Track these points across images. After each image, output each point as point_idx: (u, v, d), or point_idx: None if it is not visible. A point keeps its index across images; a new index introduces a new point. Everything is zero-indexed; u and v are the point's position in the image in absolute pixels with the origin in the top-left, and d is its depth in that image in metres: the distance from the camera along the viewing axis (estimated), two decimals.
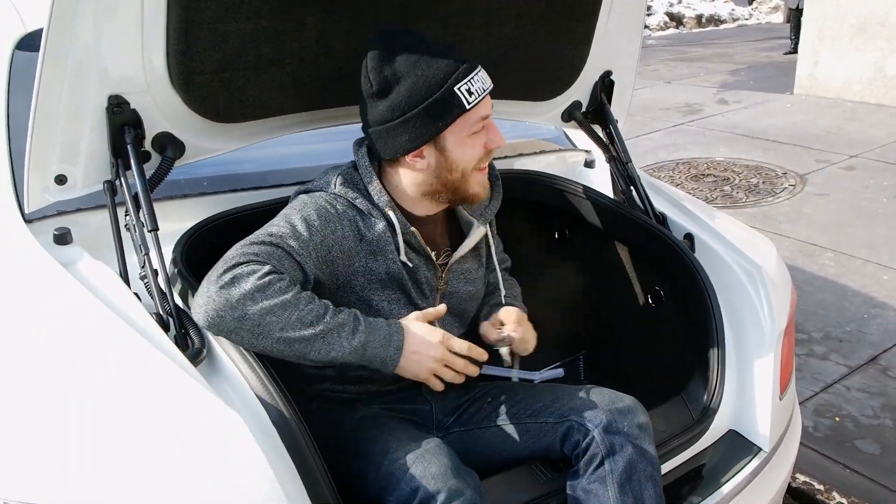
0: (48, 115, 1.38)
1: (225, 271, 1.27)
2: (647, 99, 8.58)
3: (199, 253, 1.58)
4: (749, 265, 1.73)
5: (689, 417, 1.62)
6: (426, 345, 1.37)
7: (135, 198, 1.46)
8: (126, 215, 1.48)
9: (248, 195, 1.85)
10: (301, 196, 1.49)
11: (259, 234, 1.37)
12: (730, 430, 1.66)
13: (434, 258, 1.55)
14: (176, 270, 1.51)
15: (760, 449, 1.61)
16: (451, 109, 1.40)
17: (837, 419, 2.80)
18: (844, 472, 2.53)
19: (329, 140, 1.99)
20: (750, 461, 1.59)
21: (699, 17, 17.28)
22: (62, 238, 1.56)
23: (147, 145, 1.53)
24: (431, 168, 1.46)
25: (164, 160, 1.55)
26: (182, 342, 1.34)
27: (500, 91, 1.94)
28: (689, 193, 4.84)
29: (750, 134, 6.91)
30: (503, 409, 1.56)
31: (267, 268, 1.29)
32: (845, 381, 3.05)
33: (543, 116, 2.13)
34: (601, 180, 2.27)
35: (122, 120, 1.46)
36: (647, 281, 1.98)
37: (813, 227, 4.62)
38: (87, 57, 1.37)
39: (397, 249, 1.48)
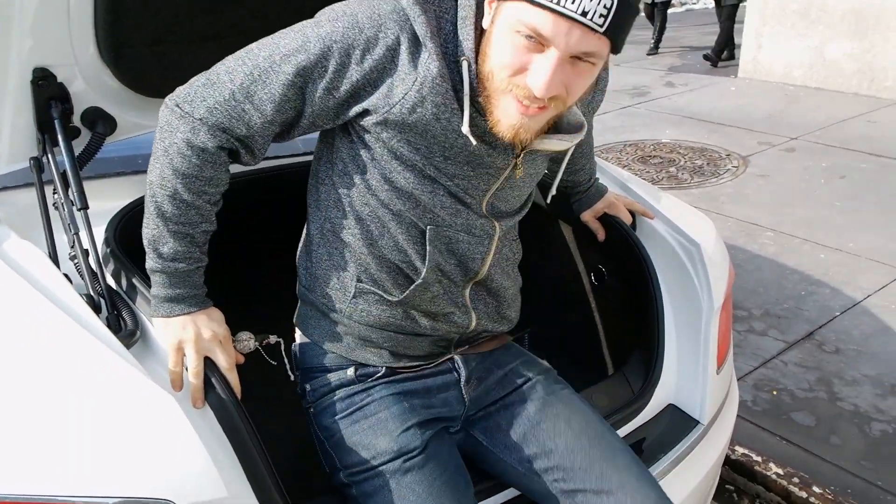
0: None
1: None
2: None
3: (133, 232, 1.53)
4: (688, 243, 1.75)
5: (630, 392, 1.64)
6: (203, 327, 1.22)
7: (63, 175, 1.41)
8: (55, 193, 1.43)
9: None
10: None
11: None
12: (669, 405, 1.69)
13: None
14: (108, 250, 1.46)
15: (698, 422, 1.65)
16: None
17: (775, 393, 2.89)
18: (781, 444, 2.61)
19: None
20: (688, 434, 1.62)
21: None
22: None
23: (76, 121, 1.48)
24: (487, 34, 1.10)
25: (94, 136, 1.50)
26: (114, 324, 1.30)
27: None
28: (636, 174, 4.91)
29: (695, 116, 7.03)
30: (530, 446, 1.36)
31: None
32: (783, 356, 3.14)
33: None
34: None
35: (49, 94, 1.41)
36: (590, 260, 2.00)
37: (754, 208, 4.73)
38: (7, 27, 1.31)
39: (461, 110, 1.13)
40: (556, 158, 1.38)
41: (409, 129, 1.14)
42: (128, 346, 1.24)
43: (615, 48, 1.05)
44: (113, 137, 1.53)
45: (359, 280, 1.28)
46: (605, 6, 0.98)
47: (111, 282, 1.39)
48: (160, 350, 1.26)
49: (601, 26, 0.99)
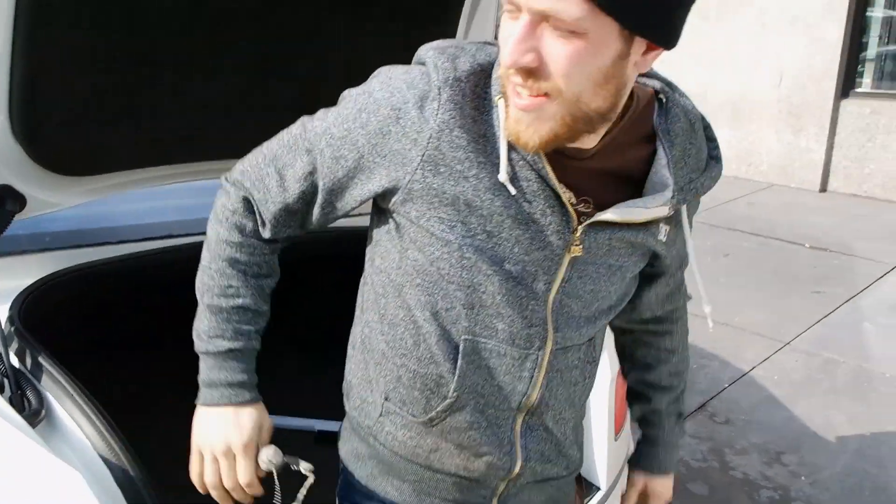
0: None
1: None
2: None
3: (39, 311, 1.52)
4: None
5: None
6: (228, 429, 1.08)
7: None
8: None
9: (93, 251, 1.79)
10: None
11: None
12: None
13: (562, 195, 0.97)
14: (12, 328, 1.44)
15: (598, 487, 1.72)
16: None
17: None
18: None
19: (185, 196, 1.98)
20: (588, 499, 1.69)
21: None
22: None
23: None
24: None
25: (2, 213, 1.49)
26: (18, 403, 1.28)
27: None
28: None
29: None
30: None
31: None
32: None
33: None
34: None
35: None
36: None
37: None
38: None
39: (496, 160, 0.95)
40: (648, 276, 1.20)
41: (438, 200, 0.96)
42: (33, 424, 1.22)
43: (605, 7, 0.80)
44: (21, 215, 1.52)
45: (386, 398, 1.11)
46: None
47: (15, 361, 1.36)
48: (66, 428, 1.25)
49: None
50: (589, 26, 0.80)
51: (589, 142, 0.95)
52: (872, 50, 7.26)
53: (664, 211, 1.02)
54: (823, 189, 7.19)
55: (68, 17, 1.36)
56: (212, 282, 1.10)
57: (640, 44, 0.85)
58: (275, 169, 1.06)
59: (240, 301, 1.10)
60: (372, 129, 0.97)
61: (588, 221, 0.98)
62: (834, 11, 6.74)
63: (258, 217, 1.10)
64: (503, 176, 0.93)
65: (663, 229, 1.07)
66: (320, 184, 1.04)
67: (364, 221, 1.19)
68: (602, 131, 0.95)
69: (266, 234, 1.11)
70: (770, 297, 4.74)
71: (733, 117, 7.87)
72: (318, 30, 1.70)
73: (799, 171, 7.34)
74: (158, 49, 1.51)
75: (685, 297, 1.38)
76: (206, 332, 1.10)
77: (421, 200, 0.97)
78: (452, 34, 1.90)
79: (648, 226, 1.04)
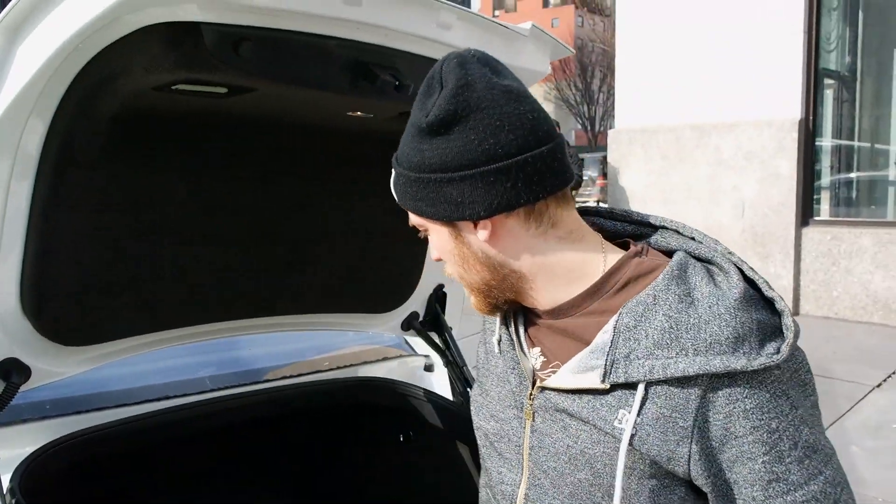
0: None
1: None
2: None
3: (40, 480, 1.53)
4: None
5: None
6: None
7: None
8: None
9: (94, 416, 1.83)
10: None
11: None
12: None
13: (527, 356, 1.09)
14: (13, 501, 1.45)
15: None
16: None
17: None
18: None
19: (177, 356, 2.04)
20: None
21: None
22: None
23: None
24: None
25: (7, 386, 1.53)
26: None
27: (346, 306, 2.11)
28: None
29: None
30: None
31: None
32: None
33: (385, 326, 2.30)
34: (441, 383, 2.43)
35: None
36: None
37: None
38: None
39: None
40: None
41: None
42: None
43: (415, 212, 1.03)
44: (26, 386, 1.57)
45: None
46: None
47: None
48: None
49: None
50: (421, 223, 1.05)
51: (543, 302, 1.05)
52: (826, 178, 7.68)
53: (594, 381, 0.97)
54: (796, 313, 7.36)
55: (78, 200, 1.47)
56: None
57: (463, 225, 1.00)
58: None
59: None
60: None
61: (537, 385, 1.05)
62: (784, 149, 7.16)
63: None
64: (495, 338, 1.12)
65: (621, 413, 0.97)
66: None
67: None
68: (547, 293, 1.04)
69: None
70: None
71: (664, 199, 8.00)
72: (311, 196, 1.83)
73: None
74: (159, 224, 1.62)
75: None
76: None
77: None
78: None
79: (594, 399, 0.99)
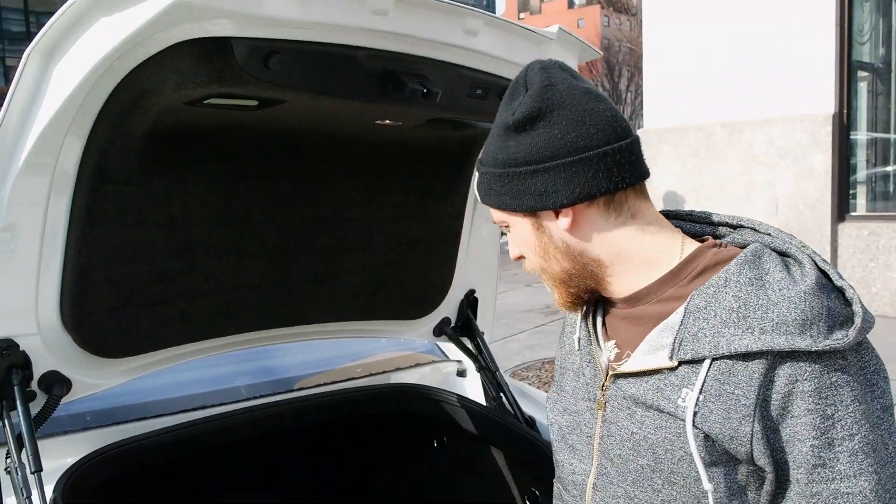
0: None
1: None
2: (511, 303, 9.10)
3: (83, 492, 1.56)
4: None
5: None
6: None
7: (18, 438, 1.46)
8: (7, 457, 1.47)
9: (133, 426, 1.86)
10: None
11: None
12: None
13: (602, 348, 1.12)
14: None
15: None
16: None
17: None
18: None
19: (213, 366, 2.06)
20: None
21: None
22: None
23: (33, 385, 1.55)
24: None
25: (50, 398, 1.56)
26: None
27: (378, 313, 2.12)
28: None
29: None
30: None
31: None
32: None
33: (417, 332, 2.31)
34: (473, 388, 2.43)
35: (10, 362, 1.49)
36: (522, 483, 2.09)
37: None
38: None
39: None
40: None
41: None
42: None
43: (499, 207, 1.08)
44: (67, 398, 1.60)
45: None
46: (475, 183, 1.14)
47: None
48: None
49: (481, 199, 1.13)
50: (504, 219, 1.10)
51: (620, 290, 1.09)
52: (862, 172, 7.54)
53: (663, 360, 1.00)
54: None
55: (115, 215, 1.50)
56: None
57: (546, 215, 1.05)
58: None
59: None
60: None
61: (612, 373, 1.08)
62: (818, 144, 7.05)
63: None
64: (576, 336, 1.17)
65: (684, 392, 0.99)
66: None
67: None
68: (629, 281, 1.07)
69: None
70: None
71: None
72: (338, 207, 1.84)
73: None
74: (193, 237, 1.65)
75: None
76: None
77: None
78: (462, 205, 2.06)
79: (660, 380, 1.01)
